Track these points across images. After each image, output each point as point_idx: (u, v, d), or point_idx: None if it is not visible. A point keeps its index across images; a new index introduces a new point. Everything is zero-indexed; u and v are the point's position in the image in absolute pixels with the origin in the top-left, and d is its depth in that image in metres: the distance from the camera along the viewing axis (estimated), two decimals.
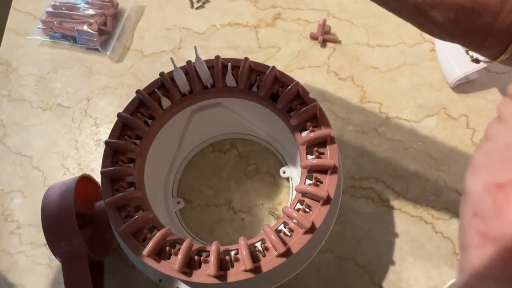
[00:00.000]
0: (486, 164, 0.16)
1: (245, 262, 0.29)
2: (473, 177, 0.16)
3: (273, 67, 0.36)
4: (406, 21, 0.23)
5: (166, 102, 0.38)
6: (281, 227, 0.32)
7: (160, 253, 0.31)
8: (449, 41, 0.22)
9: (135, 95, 0.37)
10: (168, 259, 0.31)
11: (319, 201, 0.32)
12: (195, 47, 0.37)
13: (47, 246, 0.36)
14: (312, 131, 0.34)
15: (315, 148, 0.34)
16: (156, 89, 0.38)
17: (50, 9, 0.60)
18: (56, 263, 0.45)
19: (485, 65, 0.45)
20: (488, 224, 0.15)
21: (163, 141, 0.40)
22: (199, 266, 0.30)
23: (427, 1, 0.20)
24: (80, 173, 0.43)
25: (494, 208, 0.14)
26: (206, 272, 0.29)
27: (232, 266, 0.30)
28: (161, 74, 0.38)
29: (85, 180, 0.43)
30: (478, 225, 0.15)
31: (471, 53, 0.33)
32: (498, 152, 0.15)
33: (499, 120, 0.16)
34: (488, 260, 0.14)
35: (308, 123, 0.35)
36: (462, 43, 0.22)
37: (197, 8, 0.61)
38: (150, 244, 0.30)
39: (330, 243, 0.43)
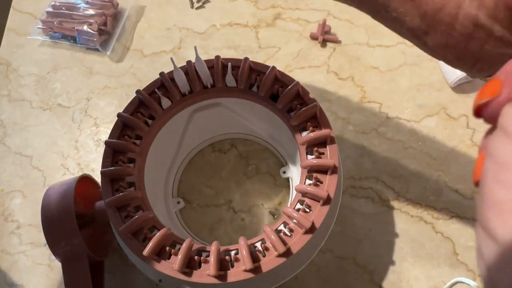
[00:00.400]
0: None
1: (245, 262, 0.29)
2: (502, 220, 0.13)
3: (273, 67, 0.36)
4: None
5: (166, 102, 0.38)
6: (281, 227, 0.32)
7: (160, 253, 0.31)
8: (440, 60, 0.23)
9: (135, 95, 0.37)
10: (168, 259, 0.31)
11: (319, 201, 0.32)
12: (195, 47, 0.37)
13: (47, 246, 0.36)
14: (312, 131, 0.34)
15: (315, 148, 0.34)
16: (156, 89, 0.38)
17: (50, 9, 0.60)
18: (56, 263, 0.45)
19: None
20: None
21: (163, 141, 0.40)
22: (199, 266, 0.30)
23: (421, 28, 0.22)
24: (80, 173, 0.43)
25: None
26: (206, 272, 0.29)
27: (232, 266, 0.30)
28: (161, 74, 0.38)
29: (85, 180, 0.43)
30: None
31: None
32: None
33: (508, 139, 0.13)
34: None
35: (308, 123, 0.35)
36: (453, 66, 0.23)
37: (197, 8, 0.61)
38: (150, 244, 0.30)
39: (330, 243, 0.43)
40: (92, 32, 0.57)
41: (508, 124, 0.13)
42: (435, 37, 0.21)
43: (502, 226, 0.13)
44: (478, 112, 0.16)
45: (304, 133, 0.35)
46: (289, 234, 0.31)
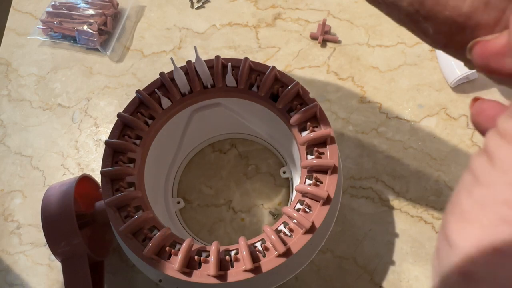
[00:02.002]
0: (478, 218, 0.13)
1: (245, 262, 0.29)
2: (462, 229, 0.13)
3: (273, 67, 0.36)
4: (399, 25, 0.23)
5: (166, 102, 0.38)
6: (281, 227, 0.32)
7: (160, 253, 0.31)
8: (441, 50, 0.22)
9: (135, 95, 0.37)
10: (168, 259, 0.31)
11: (319, 201, 0.32)
12: (195, 47, 0.37)
13: (47, 246, 0.36)
14: (312, 131, 0.34)
15: (315, 148, 0.34)
16: (156, 89, 0.38)
17: (50, 9, 0.60)
18: (56, 263, 0.45)
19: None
20: None
21: (163, 141, 0.40)
22: (199, 266, 0.30)
23: (420, 13, 0.20)
24: (80, 173, 0.43)
25: (491, 278, 0.12)
26: (206, 272, 0.29)
27: (232, 266, 0.30)
28: (161, 74, 0.38)
29: (85, 180, 0.43)
30: None
31: None
32: (495, 208, 0.13)
33: (491, 162, 0.14)
34: None
35: (308, 123, 0.35)
36: (454, 55, 0.22)
37: (197, 8, 0.61)
38: (150, 244, 0.30)
39: (330, 243, 0.43)
40: (92, 32, 0.57)
41: (492, 151, 0.14)
42: (436, 24, 0.19)
43: (459, 235, 0.13)
44: (471, 50, 0.17)
45: (304, 133, 0.35)
46: (289, 234, 0.31)
